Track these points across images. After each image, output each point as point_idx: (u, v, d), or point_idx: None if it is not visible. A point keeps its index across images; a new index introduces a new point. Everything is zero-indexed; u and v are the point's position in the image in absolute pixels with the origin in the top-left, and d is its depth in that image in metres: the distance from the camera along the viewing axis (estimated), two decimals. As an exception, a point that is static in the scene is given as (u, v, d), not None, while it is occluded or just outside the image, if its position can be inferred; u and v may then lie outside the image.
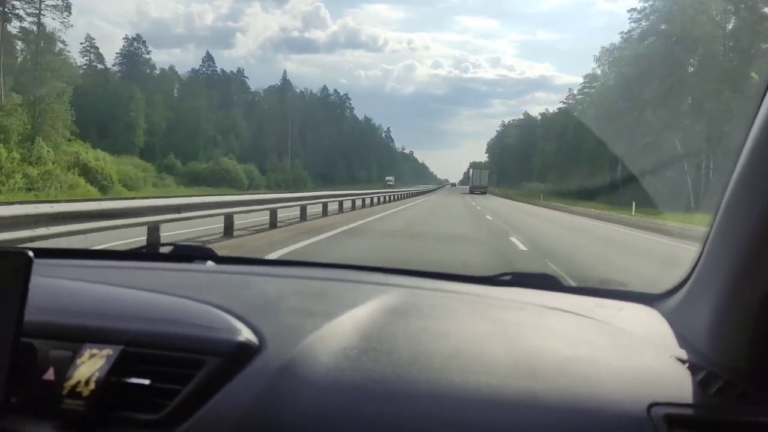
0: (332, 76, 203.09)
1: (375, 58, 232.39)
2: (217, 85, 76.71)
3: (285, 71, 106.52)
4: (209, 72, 78.69)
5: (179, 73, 72.44)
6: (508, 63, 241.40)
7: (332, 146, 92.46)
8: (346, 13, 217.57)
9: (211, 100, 68.83)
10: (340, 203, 20.76)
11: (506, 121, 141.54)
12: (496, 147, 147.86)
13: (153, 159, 51.26)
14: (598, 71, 46.81)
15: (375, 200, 28.27)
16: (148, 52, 61.56)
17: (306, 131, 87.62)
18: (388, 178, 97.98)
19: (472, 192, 70.55)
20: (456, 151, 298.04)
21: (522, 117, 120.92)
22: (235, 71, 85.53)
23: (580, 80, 76.76)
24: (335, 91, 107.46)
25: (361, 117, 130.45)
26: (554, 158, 76.06)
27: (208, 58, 79.84)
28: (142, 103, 52.77)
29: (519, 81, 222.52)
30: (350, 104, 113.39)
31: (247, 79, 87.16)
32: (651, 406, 0.79)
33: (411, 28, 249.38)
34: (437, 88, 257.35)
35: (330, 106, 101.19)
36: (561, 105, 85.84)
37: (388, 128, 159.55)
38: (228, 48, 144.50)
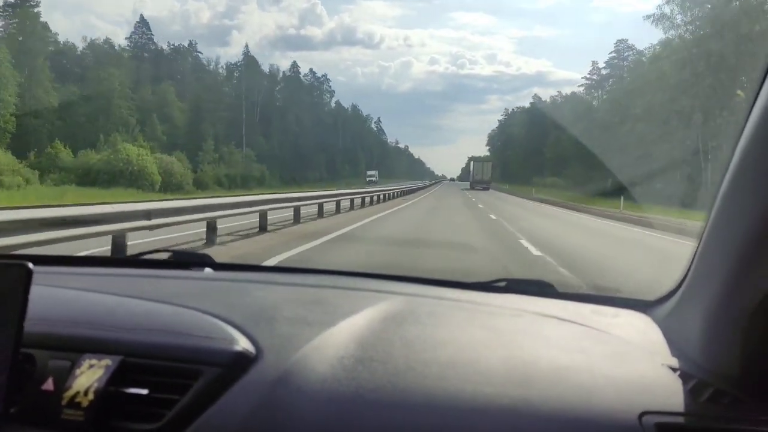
0: (329, 73, 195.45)
1: (372, 55, 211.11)
2: (157, 57, 61.33)
3: (246, 44, 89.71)
4: (144, 41, 62.95)
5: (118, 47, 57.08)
6: (505, 59, 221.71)
7: (305, 136, 77.16)
8: (343, 10, 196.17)
9: (141, 74, 53.40)
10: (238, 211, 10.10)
11: (510, 109, 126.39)
12: (497, 139, 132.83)
13: (32, 147, 36.37)
14: (666, 9, 31.80)
15: (340, 205, 19.13)
16: (36, 5, 45.68)
17: (272, 117, 72.29)
18: (369, 173, 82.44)
19: (473, 187, 62.66)
20: (452, 147, 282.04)
21: (531, 101, 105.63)
22: (186, 45, 70.15)
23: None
24: (311, 71, 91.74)
25: (347, 105, 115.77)
26: (575, 148, 61.75)
27: (142, 24, 63.93)
28: (9, 69, 37.35)
29: (516, 77, 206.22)
30: (329, 87, 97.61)
31: (200, 54, 71.73)
32: (642, 414, 0.79)
33: (407, 24, 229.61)
34: (434, 85, 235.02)
35: (304, 89, 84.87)
36: (584, 82, 70.43)
37: (379, 118, 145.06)
38: (224, 46, 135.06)
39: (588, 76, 69.43)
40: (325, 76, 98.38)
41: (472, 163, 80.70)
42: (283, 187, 55.73)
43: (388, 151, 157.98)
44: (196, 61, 70.30)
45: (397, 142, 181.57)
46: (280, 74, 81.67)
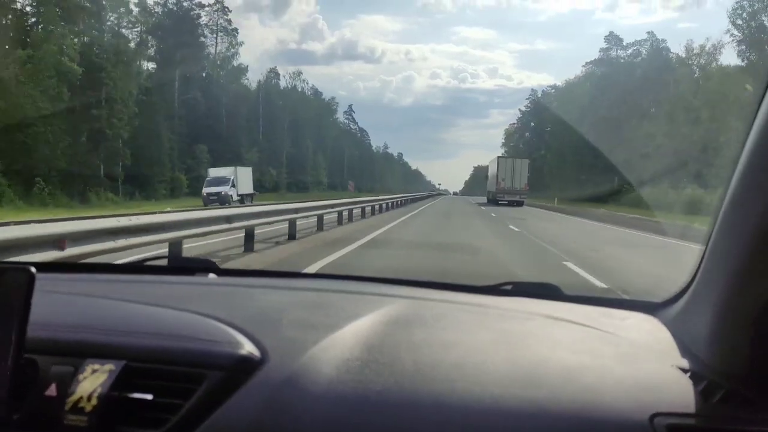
0: (331, 88, 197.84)
1: (373, 70, 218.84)
2: None
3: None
4: None
5: None
6: (507, 73, 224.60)
7: (152, 108, 37.97)
8: (344, 25, 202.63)
9: None
10: None
11: (539, 91, 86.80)
12: (519, 136, 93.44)
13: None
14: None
15: None
16: None
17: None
18: (213, 176, 36.08)
19: (496, 201, 39.55)
20: (454, 161, 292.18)
21: (593, 61, 65.51)
22: None
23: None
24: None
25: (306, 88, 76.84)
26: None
27: None
28: None
29: (517, 90, 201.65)
30: (232, 29, 57.75)
31: None
32: (654, 416, 0.79)
33: (409, 39, 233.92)
34: (435, 99, 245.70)
35: (151, 17, 45.40)
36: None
37: (350, 106, 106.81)
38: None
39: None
40: (221, 1, 56.07)
41: (495, 161, 44.86)
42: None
43: (371, 157, 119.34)
44: None
45: (386, 147, 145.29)
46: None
